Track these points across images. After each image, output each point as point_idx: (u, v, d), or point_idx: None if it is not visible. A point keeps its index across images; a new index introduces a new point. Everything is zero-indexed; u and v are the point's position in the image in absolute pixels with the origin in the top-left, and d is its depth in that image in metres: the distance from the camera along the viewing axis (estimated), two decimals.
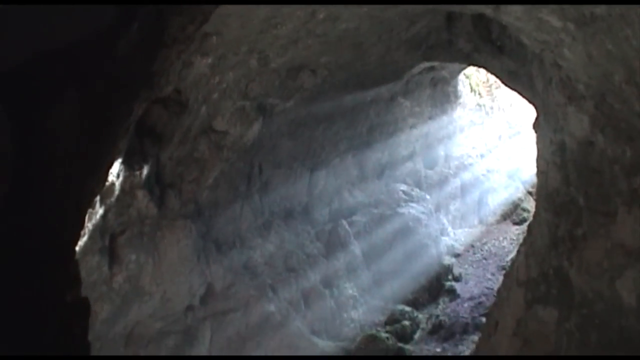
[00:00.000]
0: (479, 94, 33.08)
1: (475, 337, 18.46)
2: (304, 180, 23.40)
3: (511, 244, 27.02)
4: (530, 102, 13.41)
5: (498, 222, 30.58)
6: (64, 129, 5.93)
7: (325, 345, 19.72)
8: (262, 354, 18.27)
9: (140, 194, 14.74)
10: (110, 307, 14.70)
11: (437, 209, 29.05)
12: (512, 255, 19.68)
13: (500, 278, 18.26)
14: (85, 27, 5.66)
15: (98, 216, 13.19)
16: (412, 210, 26.07)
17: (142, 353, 16.00)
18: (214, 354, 17.46)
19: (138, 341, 15.93)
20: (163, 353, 16.40)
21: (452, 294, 23.77)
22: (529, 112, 15.99)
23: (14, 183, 5.25)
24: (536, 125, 11.78)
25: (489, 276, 24.74)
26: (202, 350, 17.22)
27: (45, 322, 6.29)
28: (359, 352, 19.52)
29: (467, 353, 18.58)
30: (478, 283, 24.45)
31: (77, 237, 8.48)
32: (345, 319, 21.62)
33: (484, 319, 18.68)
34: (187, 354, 16.87)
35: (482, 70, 26.42)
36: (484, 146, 33.34)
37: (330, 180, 24.84)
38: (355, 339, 20.43)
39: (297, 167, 22.54)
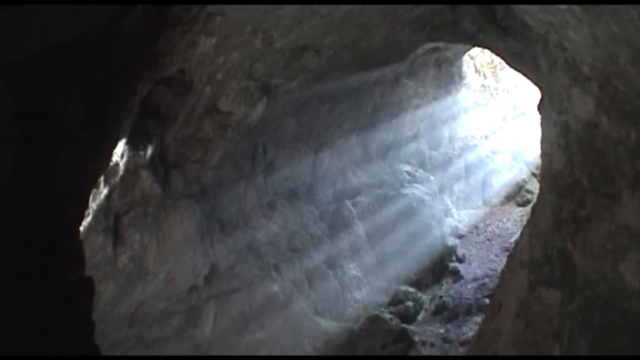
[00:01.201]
0: (484, 75, 33.02)
1: (479, 319, 18.50)
2: (308, 160, 23.41)
3: (515, 225, 27.01)
4: (534, 83, 13.39)
5: (502, 203, 30.58)
6: (67, 110, 5.94)
7: (329, 326, 19.77)
8: (266, 334, 18.31)
9: (145, 174, 14.74)
10: (114, 287, 14.73)
11: (441, 189, 29.06)
12: (516, 236, 19.63)
13: (504, 259, 18.26)
14: (90, 11, 5.66)
15: (102, 196, 13.20)
16: (416, 191, 26.08)
17: (146, 333, 16.05)
18: (217, 334, 17.49)
19: (142, 321, 15.98)
20: (167, 333, 16.45)
21: (456, 275, 23.81)
22: (534, 94, 15.96)
23: (17, 163, 5.25)
24: (540, 107, 11.75)
25: (493, 257, 24.76)
26: (206, 330, 17.27)
27: (50, 301, 6.32)
28: (362, 333, 19.55)
29: (470, 334, 18.61)
30: (482, 264, 24.48)
31: (81, 217, 8.52)
32: (349, 300, 21.67)
33: (487, 300, 18.73)
34: (191, 334, 16.91)
35: (487, 52, 26.39)
36: (488, 127, 33.29)
37: (334, 161, 24.85)
38: (359, 319, 20.47)
39: (301, 147, 22.54)
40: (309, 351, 18.58)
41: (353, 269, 22.59)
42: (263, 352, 18.10)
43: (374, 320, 19.98)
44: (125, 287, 15.07)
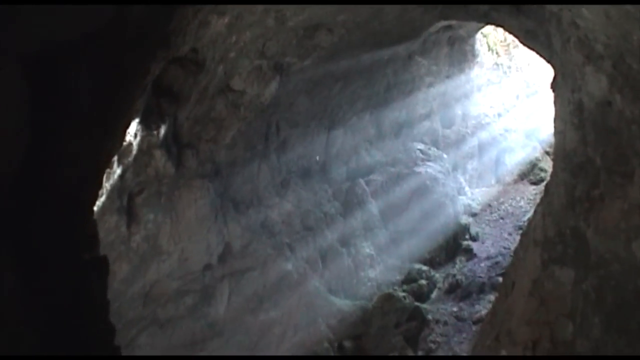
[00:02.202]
0: (497, 53, 32.91)
1: (492, 297, 18.52)
2: (321, 139, 23.39)
3: (528, 203, 27.00)
4: (548, 61, 13.32)
5: (515, 181, 30.55)
6: (79, 89, 5.94)
7: (343, 304, 19.82)
8: (280, 313, 18.37)
9: (158, 153, 14.77)
10: (129, 267, 14.80)
11: (455, 168, 29.05)
12: (529, 215, 19.62)
13: (517, 238, 18.24)
14: None
15: (116, 176, 13.24)
16: (430, 169, 26.07)
17: (160, 312, 16.12)
18: (231, 313, 17.55)
19: (156, 300, 16.05)
20: (181, 312, 16.51)
21: (469, 253, 23.84)
22: (547, 72, 15.89)
23: (31, 144, 5.27)
24: (554, 85, 11.70)
25: (506, 236, 24.77)
26: (220, 309, 17.33)
27: (64, 281, 6.34)
28: (376, 311, 19.61)
29: (483, 313, 18.63)
30: (495, 243, 24.49)
31: (95, 197, 8.53)
32: (363, 278, 21.71)
33: (500, 279, 18.71)
34: (205, 313, 16.97)
35: (500, 29, 26.28)
36: (501, 105, 33.23)
37: (348, 139, 24.83)
38: (373, 298, 20.55)
39: (314, 125, 22.52)
40: (322, 330, 18.64)
41: (367, 248, 22.62)
42: (277, 331, 18.17)
43: (388, 299, 20.03)
44: (139, 266, 15.14)
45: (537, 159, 31.21)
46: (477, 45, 31.00)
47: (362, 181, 24.26)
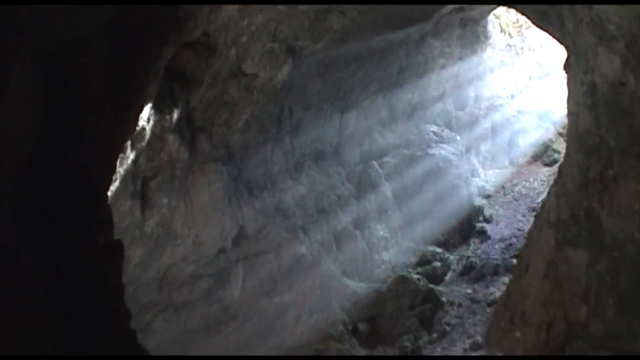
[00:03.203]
0: (509, 34, 32.76)
1: (506, 279, 18.51)
2: (334, 121, 23.35)
3: (542, 185, 26.90)
4: (560, 42, 13.28)
5: (529, 163, 30.44)
6: (93, 75, 5.96)
7: (357, 287, 19.83)
8: (294, 295, 18.39)
9: (171, 137, 14.79)
10: (143, 251, 14.84)
11: (468, 149, 28.97)
12: (543, 196, 19.59)
13: (531, 219, 18.23)
14: None
15: (129, 161, 13.27)
16: (443, 151, 26.02)
17: (175, 296, 16.18)
18: (246, 296, 17.59)
19: (171, 284, 16.10)
20: (196, 296, 16.57)
21: (483, 235, 23.80)
22: (560, 53, 15.84)
23: (44, 128, 5.29)
24: (567, 66, 11.68)
25: (520, 217, 24.72)
26: (235, 293, 17.37)
27: (79, 265, 6.38)
28: (390, 294, 19.61)
29: (497, 294, 18.63)
30: (509, 224, 24.44)
31: (109, 182, 8.57)
32: (377, 260, 21.72)
33: (514, 261, 18.72)
34: (219, 296, 17.02)
35: (512, 11, 26.16)
36: (514, 87, 33.08)
37: (361, 122, 24.78)
38: (387, 280, 20.54)
39: (327, 108, 22.49)
40: (337, 312, 18.66)
41: (380, 230, 22.62)
42: (291, 314, 18.19)
43: (402, 281, 20.03)
44: (153, 251, 15.19)
45: (551, 141, 31.08)
46: (490, 27, 30.85)
47: (375, 163, 24.22)
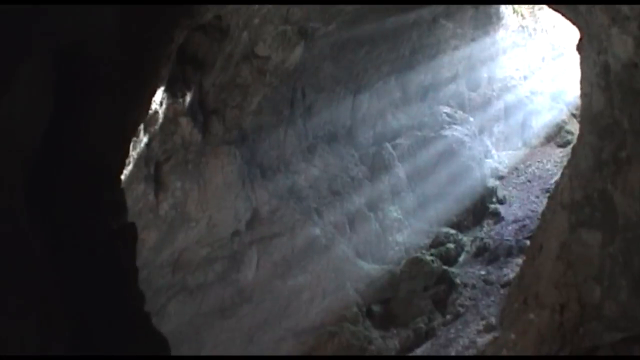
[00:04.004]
0: (522, 15, 32.63)
1: (520, 260, 18.49)
2: (347, 103, 23.34)
3: (555, 166, 26.85)
4: (573, 23, 13.19)
5: (542, 144, 30.39)
6: (103, 58, 5.97)
7: (371, 269, 19.86)
8: (309, 277, 18.43)
9: (184, 121, 14.81)
10: (157, 235, 14.89)
11: (481, 131, 28.93)
12: (556, 178, 19.55)
13: (545, 201, 18.20)
14: None
15: (142, 144, 13.29)
16: (456, 132, 26.00)
17: (190, 279, 16.24)
18: (260, 278, 17.64)
19: (185, 267, 16.16)
20: (210, 279, 16.62)
21: (497, 216, 23.80)
22: (573, 34, 15.75)
23: (57, 113, 5.31)
24: (580, 47, 11.61)
25: (533, 199, 24.69)
26: (249, 275, 17.42)
27: (93, 248, 6.41)
28: (404, 275, 19.64)
29: (511, 276, 18.63)
30: (522, 206, 24.43)
31: (122, 166, 8.59)
32: (390, 242, 21.74)
33: (528, 242, 18.69)
34: (233, 279, 17.08)
35: None
36: (527, 68, 33.01)
37: (374, 103, 24.76)
38: (400, 262, 20.56)
39: (340, 90, 22.47)
40: (351, 294, 18.70)
41: (394, 212, 22.64)
42: (305, 296, 18.24)
43: (416, 263, 20.05)
44: (167, 234, 15.23)
45: (564, 122, 31.02)
46: (502, 8, 30.72)
47: (388, 145, 24.23)
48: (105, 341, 6.32)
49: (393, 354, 17.99)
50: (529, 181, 26.71)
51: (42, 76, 5.02)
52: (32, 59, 4.76)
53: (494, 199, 24.98)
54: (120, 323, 6.84)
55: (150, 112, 12.70)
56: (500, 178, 27.09)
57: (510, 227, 22.62)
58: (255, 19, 15.51)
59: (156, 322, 9.28)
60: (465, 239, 22.55)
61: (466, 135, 26.32)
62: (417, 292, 19.38)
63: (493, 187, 25.46)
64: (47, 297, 5.29)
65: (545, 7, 17.75)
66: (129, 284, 7.55)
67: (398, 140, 24.92)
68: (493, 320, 17.26)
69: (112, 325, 6.55)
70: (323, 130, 22.21)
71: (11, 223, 4.88)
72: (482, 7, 28.61)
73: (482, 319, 17.79)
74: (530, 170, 27.76)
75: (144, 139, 13.31)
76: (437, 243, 21.96)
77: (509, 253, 20.55)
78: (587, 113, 10.69)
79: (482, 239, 22.14)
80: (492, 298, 18.66)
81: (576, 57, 12.13)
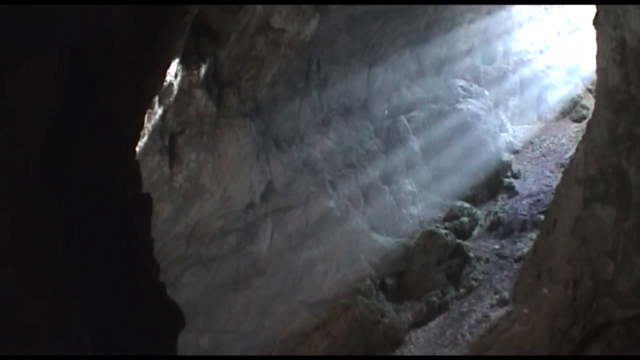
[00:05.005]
0: None
1: (534, 235, 18.49)
2: (362, 76, 23.28)
3: (570, 141, 26.74)
4: None
5: (557, 119, 30.23)
6: (118, 29, 5.97)
7: (385, 242, 19.88)
8: (323, 250, 18.46)
9: (199, 93, 14.81)
10: (172, 207, 14.94)
11: (496, 105, 28.81)
12: (571, 152, 19.49)
13: (559, 175, 18.14)
14: None
15: (157, 116, 13.32)
16: (471, 106, 25.92)
17: (204, 251, 16.30)
18: (274, 251, 17.69)
19: (199, 239, 16.22)
20: (224, 251, 16.69)
21: (511, 190, 23.76)
22: (589, 8, 15.65)
23: (70, 84, 5.31)
24: (596, 22, 11.55)
25: (548, 173, 24.62)
26: (263, 248, 17.46)
27: (108, 220, 6.44)
28: (418, 249, 19.66)
29: (525, 250, 18.63)
30: (537, 180, 24.36)
31: (137, 137, 8.60)
32: (405, 215, 21.74)
33: (542, 217, 18.68)
34: (248, 251, 17.13)
35: None
36: (543, 42, 32.80)
37: (389, 76, 24.69)
38: (415, 235, 20.58)
39: (355, 63, 22.41)
40: (365, 267, 18.74)
41: (408, 185, 22.63)
42: (319, 269, 18.29)
43: (430, 236, 20.08)
44: (182, 206, 15.28)
45: (579, 96, 30.82)
46: None
47: (403, 118, 24.17)
48: (120, 309, 6.37)
49: (406, 327, 18.08)
50: (544, 156, 26.62)
51: (58, 52, 5.02)
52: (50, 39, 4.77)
53: (509, 173, 24.94)
54: (136, 292, 6.88)
55: (165, 84, 12.72)
56: (515, 152, 27.02)
57: (524, 202, 22.58)
58: None
59: (170, 293, 9.33)
60: (480, 212, 22.55)
61: (481, 108, 26.24)
62: (431, 265, 19.42)
63: (508, 161, 25.41)
64: (61, 268, 5.32)
65: None
66: (144, 254, 7.58)
67: (413, 113, 24.86)
68: (506, 294, 17.30)
69: (127, 294, 6.59)
70: (338, 102, 22.17)
71: (29, 193, 4.90)
72: None
73: (496, 293, 17.84)
74: (545, 144, 27.66)
75: (159, 110, 13.34)
76: (451, 216, 21.97)
77: (523, 227, 20.55)
78: (602, 88, 10.65)
79: (496, 213, 22.14)
80: (506, 272, 18.69)
81: (592, 32, 12.08)
